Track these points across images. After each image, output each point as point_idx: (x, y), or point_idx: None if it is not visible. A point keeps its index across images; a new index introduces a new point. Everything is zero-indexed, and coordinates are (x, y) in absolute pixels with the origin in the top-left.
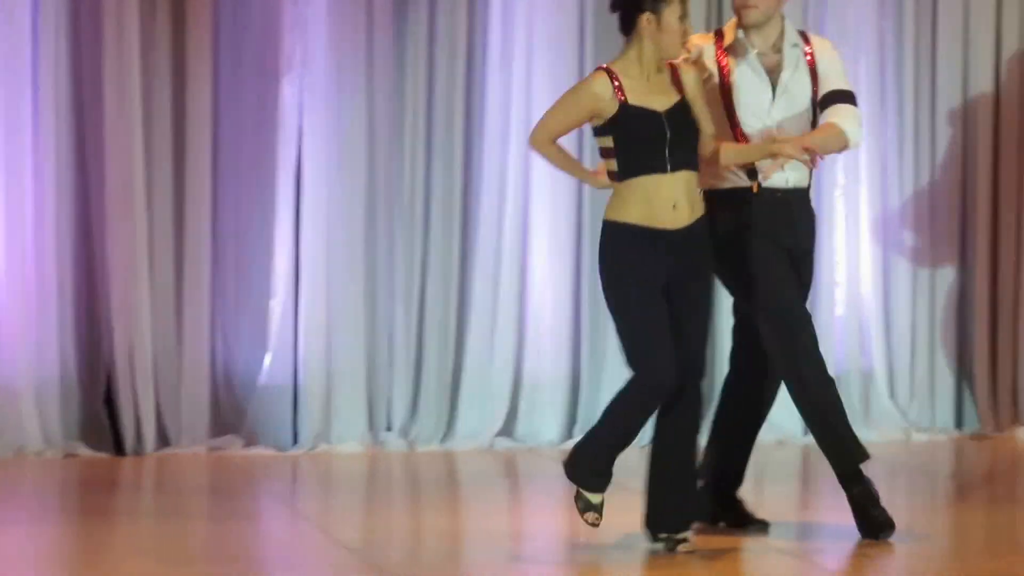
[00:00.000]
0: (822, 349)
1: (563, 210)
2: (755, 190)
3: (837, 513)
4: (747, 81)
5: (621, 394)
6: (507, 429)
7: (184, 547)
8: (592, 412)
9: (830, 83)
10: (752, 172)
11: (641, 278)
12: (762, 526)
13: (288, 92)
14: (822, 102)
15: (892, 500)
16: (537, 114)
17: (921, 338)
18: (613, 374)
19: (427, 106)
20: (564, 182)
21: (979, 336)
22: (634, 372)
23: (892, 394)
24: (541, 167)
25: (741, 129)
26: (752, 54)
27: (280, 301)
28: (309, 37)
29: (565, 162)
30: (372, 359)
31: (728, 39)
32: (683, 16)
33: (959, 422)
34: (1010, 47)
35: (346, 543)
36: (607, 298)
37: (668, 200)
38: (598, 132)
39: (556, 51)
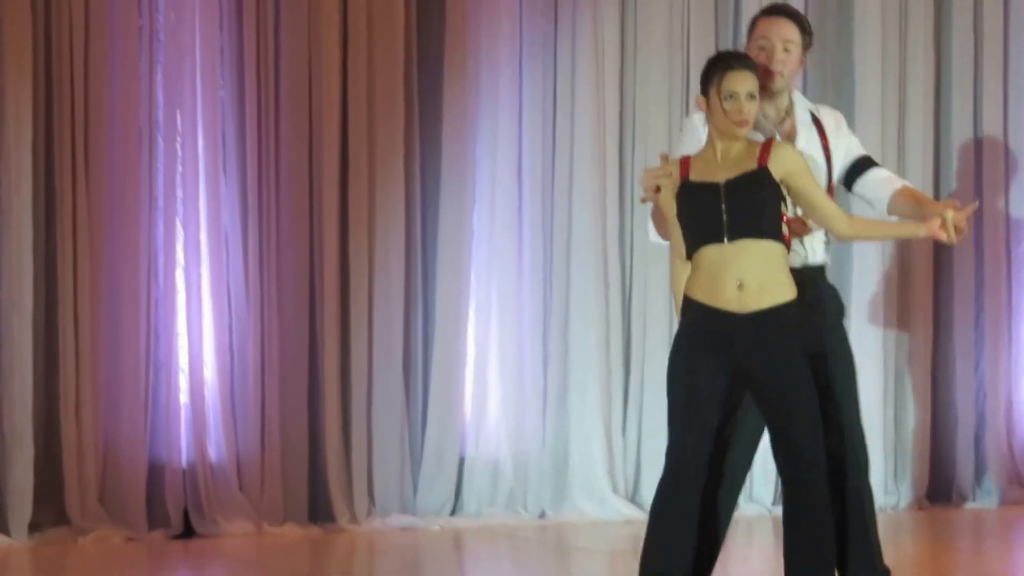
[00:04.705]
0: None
1: None
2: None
3: None
4: None
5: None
6: None
7: None
8: None
9: (855, 146)
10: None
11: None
12: None
13: None
14: (856, 167)
15: None
16: None
17: (273, 426)
18: None
19: None
20: None
21: (330, 424)
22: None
23: (241, 486)
24: None
25: None
26: (768, 126)
27: None
28: None
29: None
30: None
31: None
32: (730, 96)
33: (313, 515)
34: None
35: None
36: None
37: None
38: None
39: None
